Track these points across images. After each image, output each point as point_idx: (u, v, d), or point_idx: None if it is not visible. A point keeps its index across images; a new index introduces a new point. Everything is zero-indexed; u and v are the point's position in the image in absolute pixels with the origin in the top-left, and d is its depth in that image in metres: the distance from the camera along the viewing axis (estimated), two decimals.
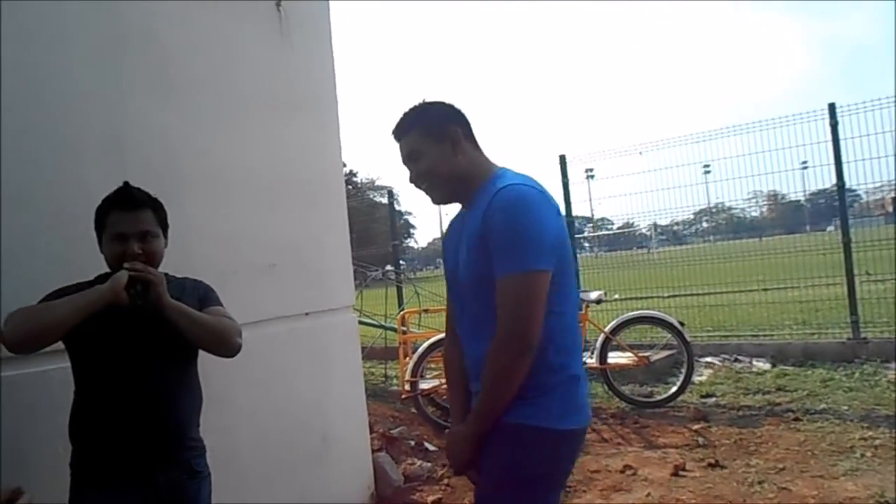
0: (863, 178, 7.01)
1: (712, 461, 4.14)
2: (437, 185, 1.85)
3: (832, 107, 6.63)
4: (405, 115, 1.87)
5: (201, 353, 2.00)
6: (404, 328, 6.00)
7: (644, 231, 16.03)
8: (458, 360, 1.92)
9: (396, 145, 1.89)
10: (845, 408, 5.02)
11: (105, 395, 1.85)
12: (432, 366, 6.05)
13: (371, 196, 30.77)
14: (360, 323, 7.43)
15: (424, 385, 5.51)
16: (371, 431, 4.31)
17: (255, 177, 3.24)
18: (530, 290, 1.61)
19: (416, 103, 1.89)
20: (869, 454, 4.03)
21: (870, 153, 6.66)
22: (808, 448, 4.25)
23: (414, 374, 5.40)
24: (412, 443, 4.75)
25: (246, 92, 3.24)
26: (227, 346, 1.93)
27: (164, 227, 1.99)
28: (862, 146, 6.70)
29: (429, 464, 4.29)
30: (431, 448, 4.75)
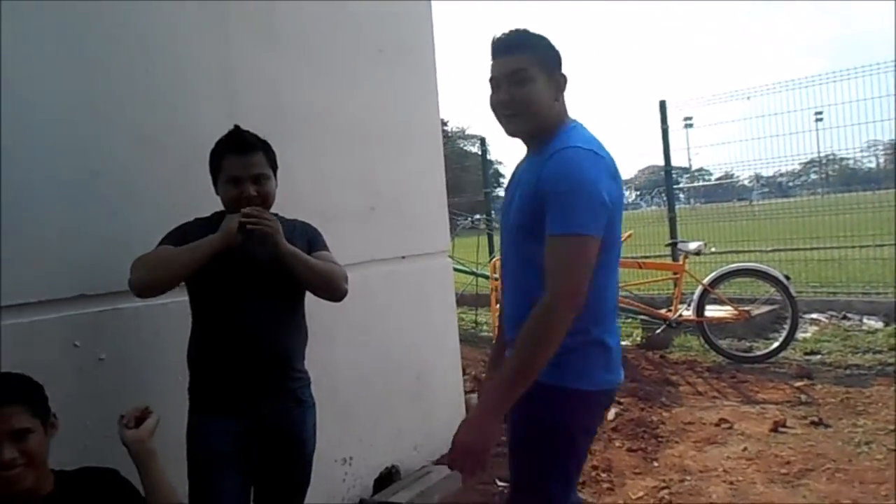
0: None
1: (815, 419, 4.00)
2: (524, 118, 1.77)
3: None
4: (521, 32, 1.78)
5: (307, 293, 2.10)
6: (496, 276, 6.02)
7: (745, 182, 15.29)
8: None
9: (491, 59, 1.79)
10: None
11: (220, 330, 1.97)
12: None
13: (461, 145, 30.72)
14: (453, 270, 7.56)
15: None
16: (463, 374, 4.40)
17: (356, 123, 3.29)
18: (581, 253, 1.58)
19: (535, 33, 1.79)
20: None
21: None
22: None
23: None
24: None
25: (347, 39, 3.27)
26: (334, 290, 2.03)
27: (275, 168, 2.07)
28: None
29: None
30: None
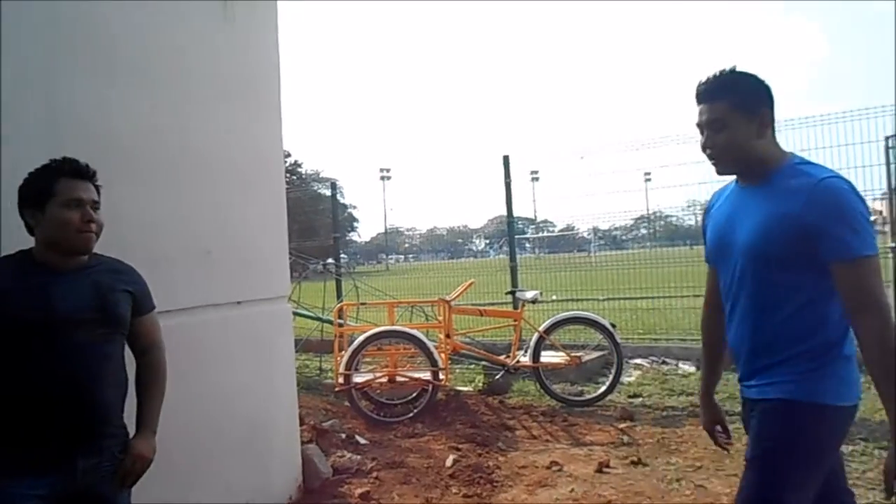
0: None
1: (635, 459, 4.27)
2: (727, 160, 1.89)
3: None
4: (718, 79, 1.88)
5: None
6: (341, 321, 5.98)
7: (585, 234, 16.36)
8: (716, 330, 2.13)
9: (697, 106, 1.92)
10: None
11: (26, 380, 1.80)
12: (368, 359, 6.06)
13: (315, 188, 30.45)
14: (297, 314, 7.39)
15: (358, 378, 5.51)
16: (302, 423, 4.29)
17: (195, 160, 3.19)
18: (878, 271, 1.72)
19: (730, 69, 1.89)
20: None
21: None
22: (726, 447, 4.43)
23: (348, 366, 5.40)
24: (343, 436, 4.75)
25: (186, 75, 3.18)
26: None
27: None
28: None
29: (358, 457, 4.30)
30: (362, 441, 4.76)
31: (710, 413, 2.27)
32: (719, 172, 1.96)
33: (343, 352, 5.58)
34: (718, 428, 2.24)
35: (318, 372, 7.41)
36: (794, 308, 1.81)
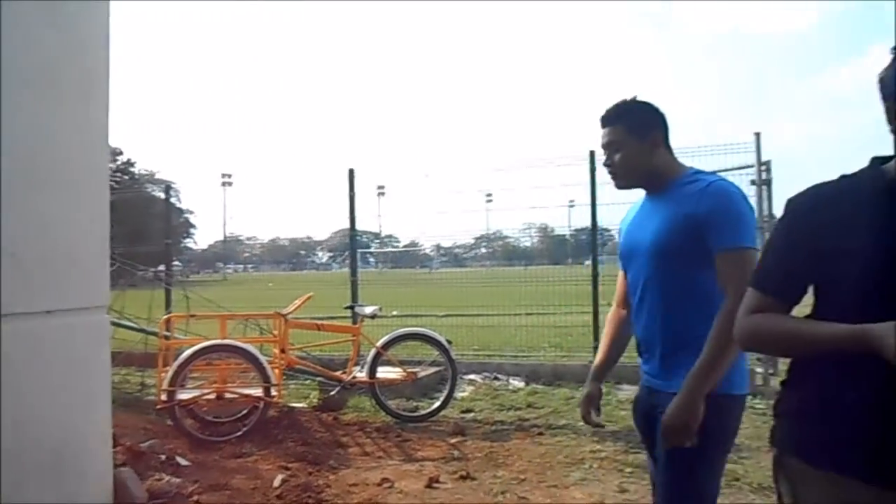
0: (616, 220, 7.93)
1: (464, 473, 4.38)
2: (623, 177, 2.16)
3: (592, 154, 7.42)
4: (616, 106, 2.14)
5: None
6: (167, 333, 5.64)
7: (428, 251, 16.70)
8: (620, 325, 2.34)
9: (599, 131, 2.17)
10: (581, 424, 5.55)
11: None
12: (195, 375, 5.75)
13: (150, 190, 28.55)
14: (118, 325, 6.87)
15: (184, 395, 5.21)
16: (116, 444, 3.97)
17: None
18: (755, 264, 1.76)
19: (628, 98, 2.15)
20: (596, 465, 4.54)
21: (625, 198, 7.51)
22: (547, 460, 4.68)
23: (173, 382, 5.08)
24: (163, 457, 4.45)
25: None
26: None
27: None
28: (617, 191, 7.54)
29: (178, 479, 4.04)
30: (184, 463, 4.49)
31: (592, 396, 2.33)
32: (618, 187, 2.23)
33: (168, 367, 5.25)
34: (594, 414, 2.32)
35: (139, 388, 6.91)
36: (698, 302, 1.98)
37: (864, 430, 1.29)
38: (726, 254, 1.92)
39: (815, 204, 1.42)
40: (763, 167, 6.78)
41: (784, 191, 6.98)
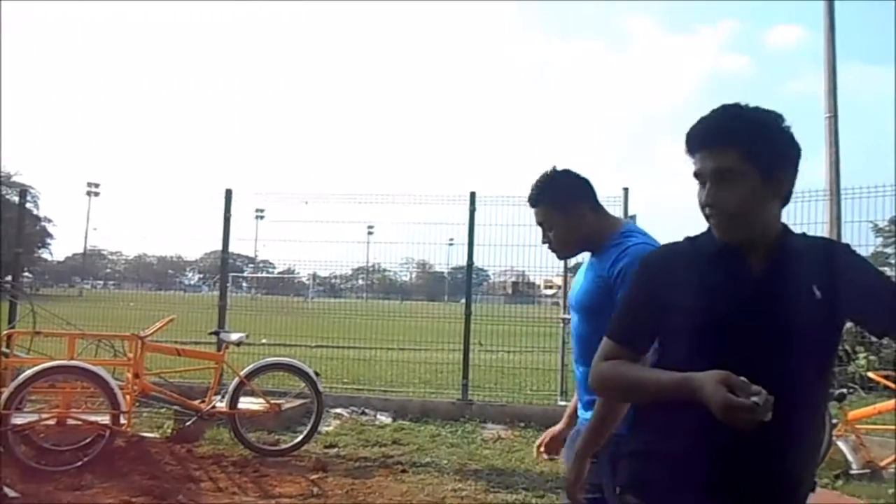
0: (492, 262, 8.18)
1: None
2: (561, 251, 2.29)
3: (473, 195, 7.62)
4: (538, 184, 2.23)
5: None
6: (6, 350, 5.15)
7: (304, 280, 16.35)
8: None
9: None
10: (445, 462, 5.63)
11: None
12: (35, 397, 5.28)
13: (5, 193, 26.23)
14: None
15: (19, 419, 4.76)
16: None
17: None
18: None
19: (547, 172, 2.23)
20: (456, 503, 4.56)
21: (502, 241, 7.74)
22: (409, 499, 4.65)
23: (8, 405, 4.63)
24: None
25: None
26: None
27: None
28: (495, 233, 7.77)
29: None
30: (13, 494, 4.10)
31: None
32: (560, 258, 2.40)
33: (3, 387, 4.78)
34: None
35: None
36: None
37: (688, 472, 1.42)
38: None
39: (660, 263, 1.60)
40: (629, 219, 7.23)
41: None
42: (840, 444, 5.50)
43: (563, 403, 7.50)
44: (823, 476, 5.24)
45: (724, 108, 1.46)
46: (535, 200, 2.26)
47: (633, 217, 7.30)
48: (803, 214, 6.86)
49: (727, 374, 1.26)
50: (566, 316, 7.81)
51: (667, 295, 1.49)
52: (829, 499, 4.58)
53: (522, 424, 7.02)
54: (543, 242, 2.30)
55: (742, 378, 1.25)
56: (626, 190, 7.31)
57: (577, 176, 2.26)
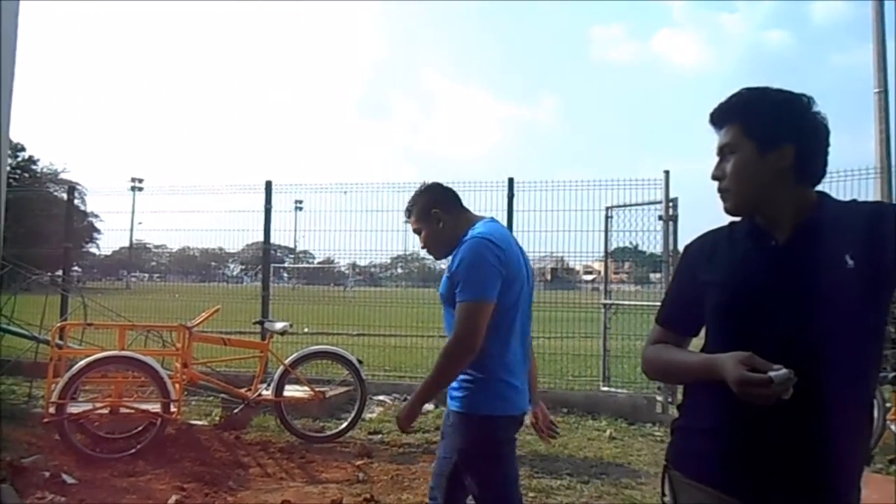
0: (531, 248, 8.13)
1: (368, 496, 4.32)
2: (432, 252, 2.62)
3: (511, 181, 7.57)
4: (411, 198, 2.61)
5: None
6: (60, 342, 5.31)
7: (343, 269, 16.47)
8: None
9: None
10: None
11: None
12: (89, 387, 5.45)
13: (52, 190, 26.95)
14: (7, 331, 6.46)
15: (75, 409, 4.92)
16: None
17: None
18: (474, 312, 2.26)
19: (420, 188, 2.63)
20: None
21: (540, 226, 7.71)
22: None
23: (63, 394, 4.79)
24: (47, 474, 4.19)
25: None
26: None
27: None
28: (533, 219, 7.72)
29: (63, 498, 3.81)
30: (70, 481, 4.24)
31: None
32: (436, 259, 2.72)
33: (59, 378, 4.95)
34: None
35: (26, 399, 6.49)
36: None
37: (720, 447, 1.46)
38: (458, 304, 2.31)
39: (697, 248, 1.64)
40: (671, 203, 7.09)
41: (690, 226, 7.32)
42: (894, 428, 5.36)
43: (605, 389, 7.45)
44: (877, 461, 5.11)
45: (740, 90, 1.52)
46: (407, 212, 2.64)
47: (675, 200, 7.16)
48: (853, 193, 6.62)
49: (749, 354, 1.29)
50: (607, 301, 7.74)
51: (702, 277, 1.55)
52: (881, 484, 4.46)
53: (565, 410, 6.99)
54: (422, 248, 2.65)
55: (762, 360, 1.28)
56: (666, 173, 7.16)
57: (440, 188, 2.62)
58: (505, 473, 2.42)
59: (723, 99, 1.53)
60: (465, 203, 2.62)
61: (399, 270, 17.78)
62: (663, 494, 1.63)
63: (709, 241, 1.61)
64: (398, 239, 8.97)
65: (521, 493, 2.61)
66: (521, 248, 2.51)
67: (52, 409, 4.81)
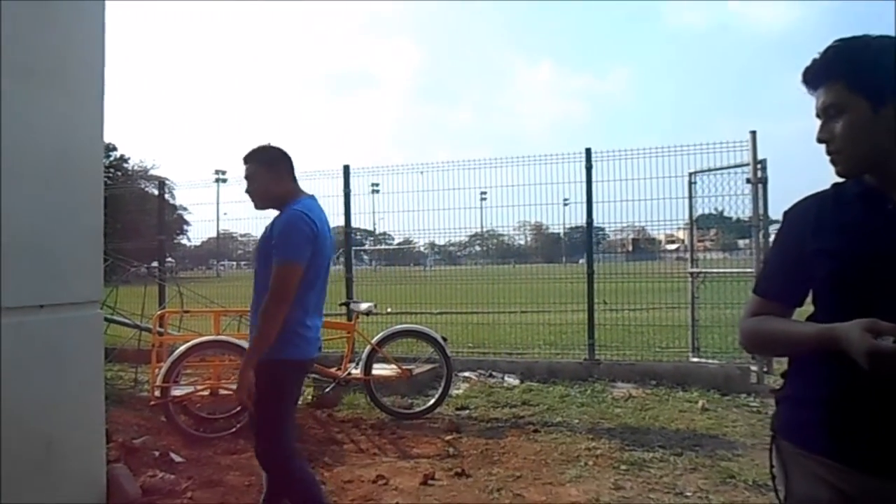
0: (610, 218, 7.97)
1: (459, 470, 4.37)
2: (256, 200, 2.99)
3: (588, 151, 7.42)
4: (258, 147, 3.00)
5: None
6: (161, 329, 5.59)
7: (422, 249, 16.63)
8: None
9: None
10: (576, 421, 5.60)
11: None
12: (189, 371, 5.72)
13: (142, 185, 28.34)
14: (111, 321, 6.83)
15: (177, 392, 5.18)
16: (109, 440, 3.95)
17: None
18: (289, 273, 2.72)
19: (268, 144, 3.01)
20: (591, 462, 4.53)
21: (619, 196, 7.54)
22: (543, 457, 4.67)
23: (167, 378, 5.05)
24: (156, 453, 4.43)
25: None
26: None
27: None
28: (612, 189, 7.56)
29: (172, 476, 4.02)
30: (178, 459, 4.47)
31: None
32: (256, 208, 3.01)
33: (161, 363, 5.22)
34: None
35: (132, 384, 6.88)
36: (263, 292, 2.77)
37: (831, 417, 1.40)
38: (274, 266, 2.71)
39: (799, 213, 1.53)
40: (759, 166, 6.77)
41: (780, 189, 6.98)
42: None
43: (695, 359, 7.24)
44: None
45: (833, 43, 1.42)
46: (249, 157, 2.96)
47: (763, 161, 6.82)
48: None
49: (874, 320, 1.22)
50: (694, 269, 7.49)
51: (810, 244, 1.45)
52: None
53: (654, 382, 6.85)
54: (246, 192, 2.97)
55: (888, 324, 1.19)
56: (753, 133, 6.82)
57: (286, 155, 2.98)
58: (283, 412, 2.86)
59: (816, 55, 1.42)
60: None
61: (477, 248, 17.80)
62: (772, 465, 1.57)
63: (813, 206, 1.50)
64: (475, 216, 8.98)
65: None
66: (328, 226, 2.91)
67: (157, 393, 5.09)
